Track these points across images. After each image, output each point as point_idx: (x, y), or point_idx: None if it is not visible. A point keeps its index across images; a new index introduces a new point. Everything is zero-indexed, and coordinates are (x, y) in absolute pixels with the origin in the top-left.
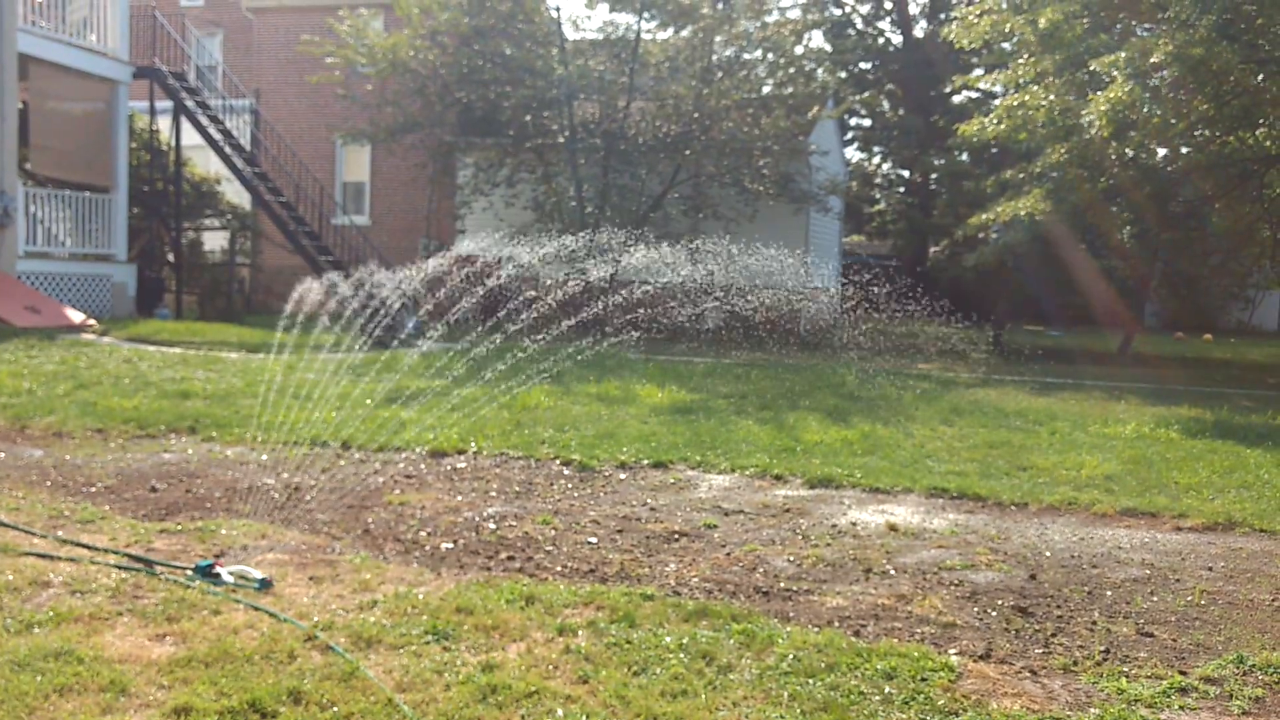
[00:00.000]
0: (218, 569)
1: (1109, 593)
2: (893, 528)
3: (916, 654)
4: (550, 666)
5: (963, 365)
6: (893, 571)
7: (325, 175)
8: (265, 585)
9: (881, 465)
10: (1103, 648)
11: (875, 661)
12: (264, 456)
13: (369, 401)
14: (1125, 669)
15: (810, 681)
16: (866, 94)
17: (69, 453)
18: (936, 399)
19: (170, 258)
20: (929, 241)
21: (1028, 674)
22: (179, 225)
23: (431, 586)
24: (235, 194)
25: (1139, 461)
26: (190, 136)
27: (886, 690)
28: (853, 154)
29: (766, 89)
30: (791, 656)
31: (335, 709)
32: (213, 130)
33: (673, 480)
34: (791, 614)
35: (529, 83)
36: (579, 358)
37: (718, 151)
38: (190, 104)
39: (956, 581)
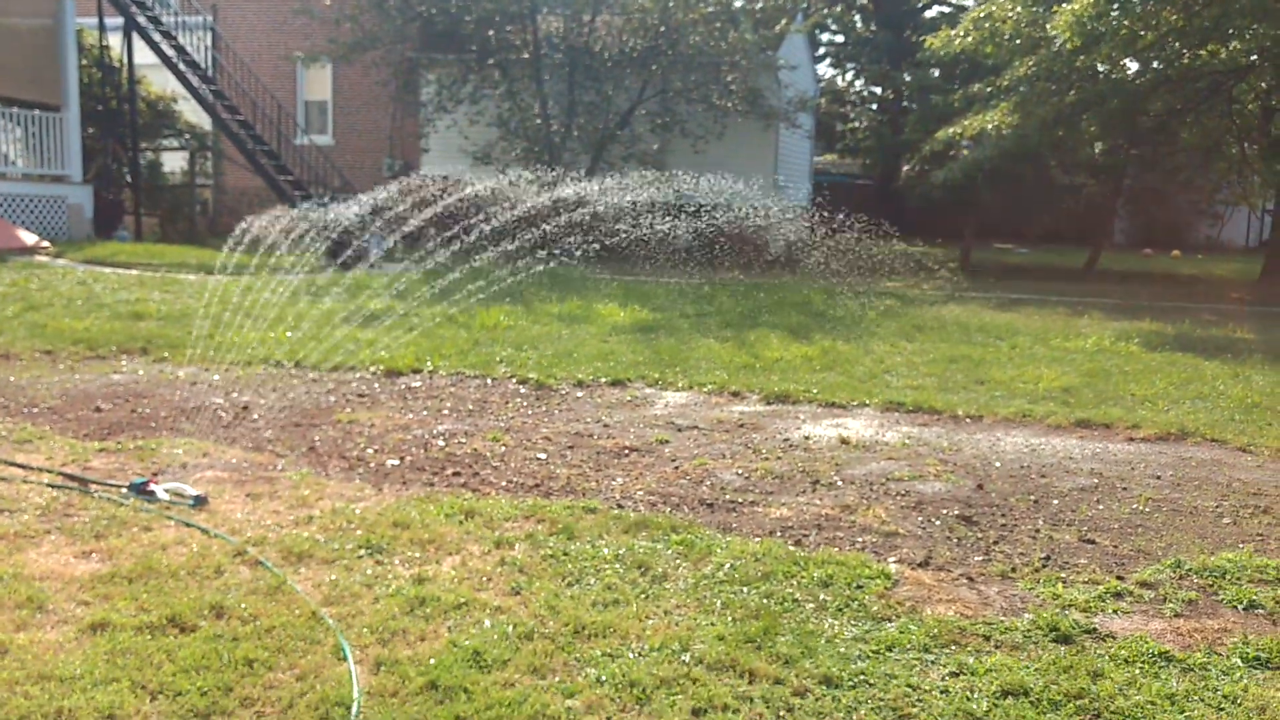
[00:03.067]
0: (152, 486)
1: (1055, 502)
2: (844, 441)
3: (854, 562)
4: (484, 579)
5: (930, 283)
6: (840, 483)
7: (286, 94)
8: (200, 502)
9: (839, 381)
10: (1043, 555)
11: (812, 570)
12: (216, 377)
13: (327, 323)
14: (1063, 575)
15: (745, 590)
16: (838, 8)
17: (14, 374)
18: (899, 316)
19: (129, 179)
20: (901, 160)
21: (965, 581)
22: (135, 145)
23: (371, 502)
24: (194, 114)
25: (1097, 374)
26: (145, 55)
27: (821, 597)
28: (825, 71)
29: (738, 3)
30: (728, 566)
31: (258, 622)
32: (166, 46)
33: (629, 398)
34: (734, 525)
35: None
36: (544, 278)
37: (684, 66)
38: (141, 19)
39: (903, 492)
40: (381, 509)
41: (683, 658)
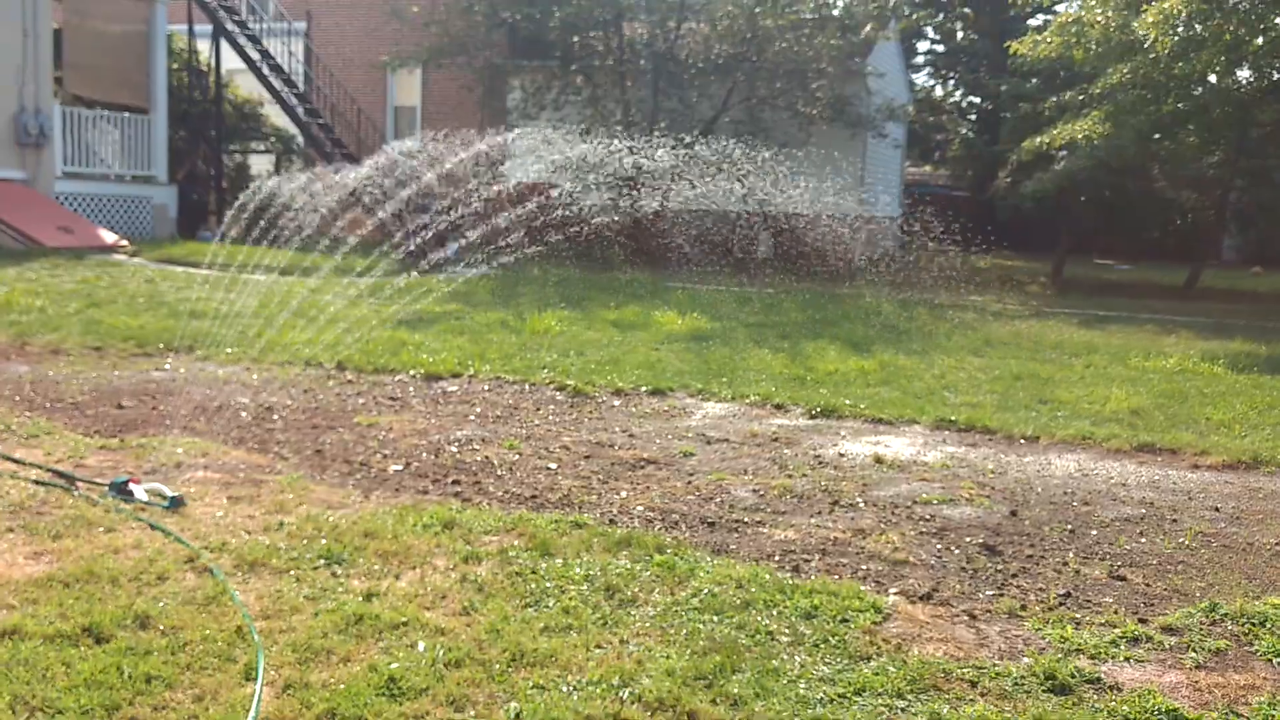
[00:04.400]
0: (131, 486)
1: (1093, 532)
2: (879, 460)
3: (847, 593)
4: (437, 596)
5: (1016, 298)
6: (862, 504)
7: (377, 100)
8: (176, 504)
9: (892, 396)
10: (1063, 591)
11: (798, 599)
12: (254, 377)
13: (381, 325)
14: (1079, 615)
15: (716, 619)
16: (939, 16)
17: (56, 369)
18: (972, 330)
19: (215, 180)
20: (995, 171)
21: (965, 618)
22: (219, 147)
23: (351, 509)
24: (279, 117)
25: (1172, 396)
26: (233, 60)
27: (800, 631)
28: (924, 80)
29: (836, 10)
30: (706, 592)
31: (179, 635)
32: (252, 51)
33: (667, 408)
34: (731, 547)
35: (574, 1)
36: (612, 284)
37: (770, 74)
38: (230, 25)
39: (927, 516)
40: (358, 517)
41: (621, 694)
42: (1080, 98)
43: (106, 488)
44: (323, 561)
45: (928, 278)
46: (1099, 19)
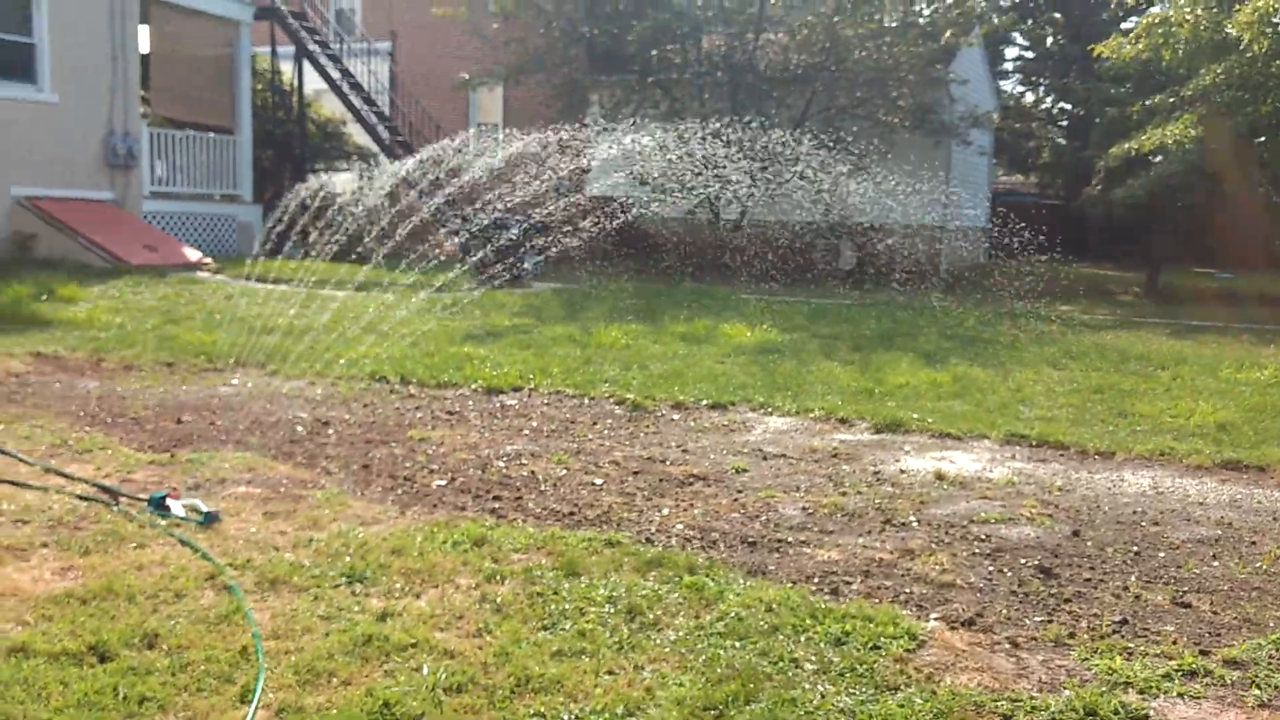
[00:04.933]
0: (169, 501)
1: (1160, 554)
2: (940, 476)
3: (883, 618)
4: (453, 617)
5: (1105, 308)
6: (915, 523)
7: (459, 117)
8: (210, 519)
9: (963, 409)
10: (1119, 618)
11: (829, 625)
12: (317, 391)
13: (449, 340)
14: (1133, 645)
15: (739, 645)
16: (1028, 22)
17: (125, 385)
18: (1055, 341)
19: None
20: (1088, 178)
21: (1007, 646)
22: (303, 167)
23: (384, 525)
24: (361, 135)
25: (1263, 410)
26: (318, 79)
27: (828, 658)
28: (1013, 87)
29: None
30: (733, 615)
31: (184, 654)
32: (333, 71)
33: (727, 422)
34: (770, 567)
35: (652, 15)
36: (686, 297)
37: (849, 83)
38: (312, 46)
39: (983, 536)
40: (389, 534)
41: None
42: (1171, 100)
43: (146, 503)
44: (344, 580)
45: (1014, 288)
46: (1188, 18)
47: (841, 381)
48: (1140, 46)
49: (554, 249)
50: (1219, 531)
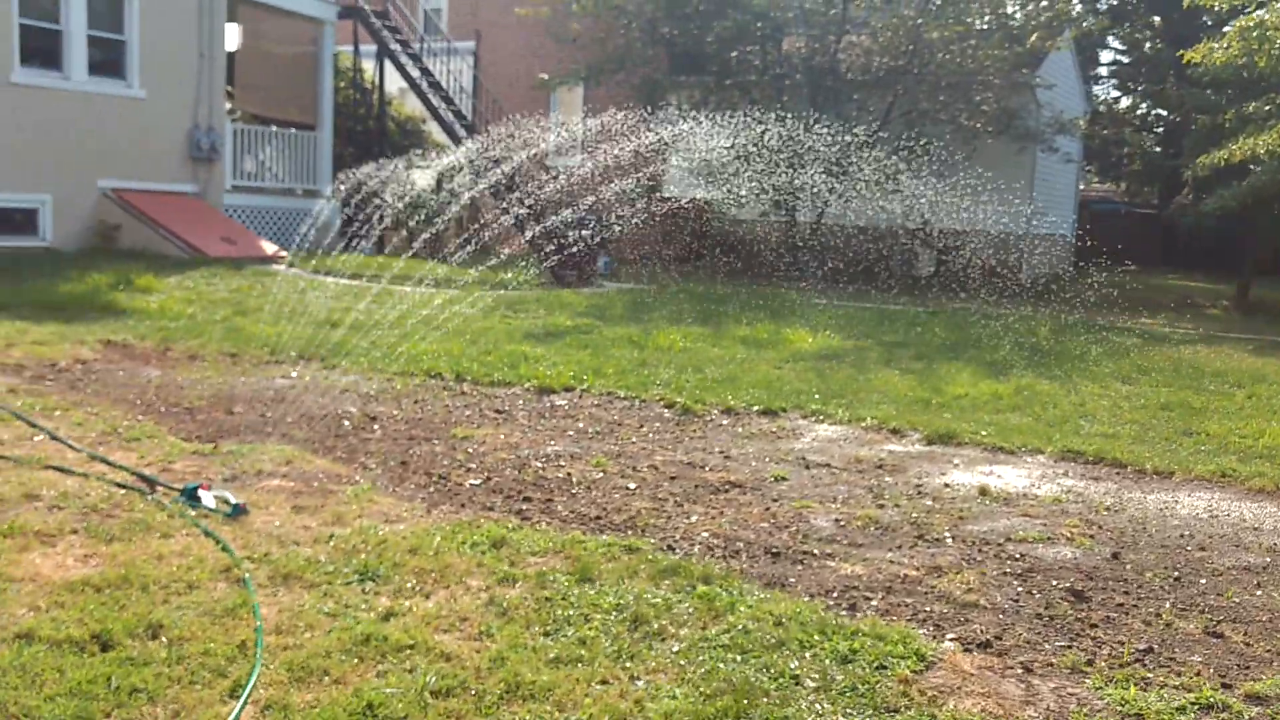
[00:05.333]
0: (200, 492)
1: (1202, 581)
2: (984, 491)
3: (895, 637)
4: (458, 618)
5: (1190, 321)
6: (949, 540)
7: (540, 117)
8: (238, 511)
9: (1022, 423)
10: (1144, 646)
11: (837, 642)
12: (372, 386)
13: (509, 339)
14: (1152, 675)
15: (741, 659)
16: (1125, 25)
17: (186, 374)
18: (1128, 355)
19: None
20: (1181, 187)
21: (1020, 671)
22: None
23: (407, 524)
24: (441, 134)
25: None
26: (400, 78)
27: (831, 676)
28: (1108, 92)
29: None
30: (740, 628)
31: (184, 646)
32: (413, 70)
33: (775, 428)
34: (790, 580)
35: (732, 15)
36: (754, 301)
37: (931, 86)
38: (393, 45)
39: (1017, 555)
40: (409, 532)
41: None
42: (1266, 109)
43: (179, 493)
44: (356, 577)
45: (1097, 299)
46: None
47: (899, 391)
48: (1233, 51)
49: (627, 249)
50: (1268, 559)
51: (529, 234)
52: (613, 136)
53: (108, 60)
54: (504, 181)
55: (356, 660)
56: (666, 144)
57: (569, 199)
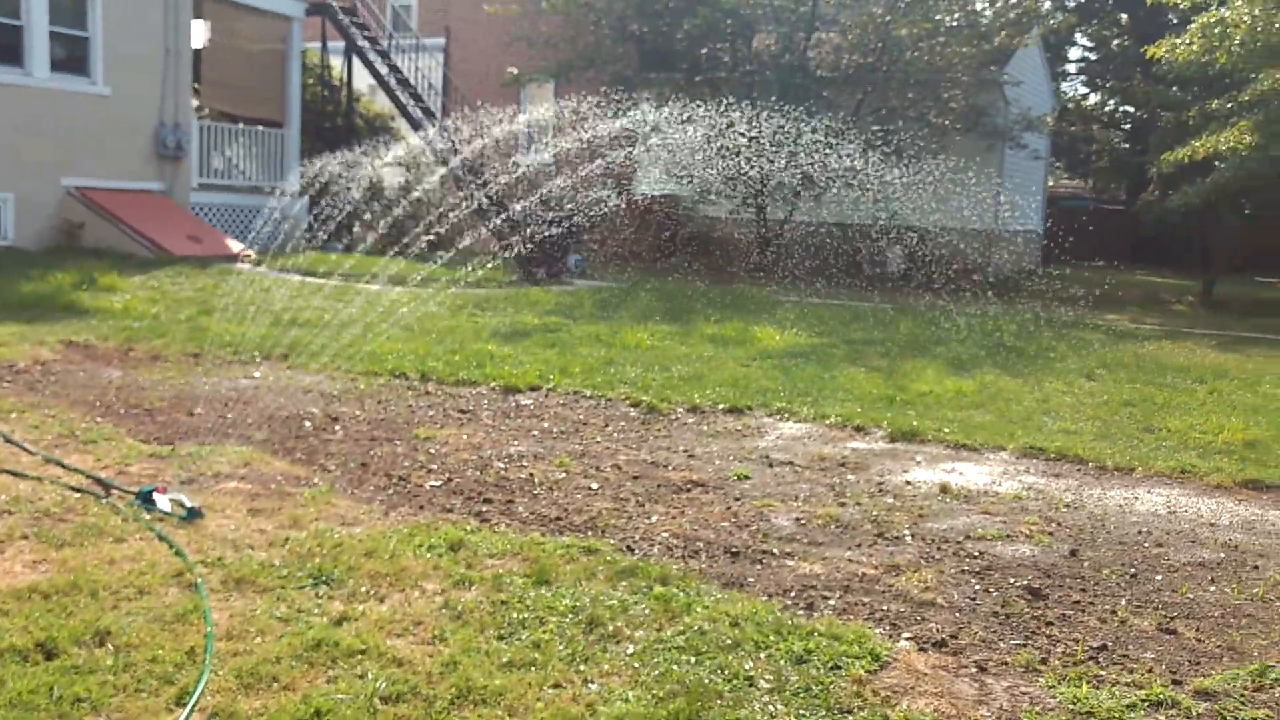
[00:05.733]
0: (156, 495)
1: (1158, 577)
2: (945, 489)
3: (851, 636)
4: (412, 623)
5: (1156, 317)
6: (909, 538)
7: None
8: (193, 515)
9: (985, 420)
10: (1098, 644)
11: (793, 642)
12: (336, 386)
13: (475, 338)
14: (1105, 672)
15: (695, 660)
16: (1094, 23)
17: (148, 375)
18: (1093, 351)
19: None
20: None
21: (974, 670)
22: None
23: (364, 526)
24: (409, 132)
25: None
26: (369, 75)
27: (785, 677)
28: (1077, 89)
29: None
30: (696, 629)
31: (131, 654)
32: (381, 67)
33: (741, 426)
34: (749, 580)
35: (701, 13)
36: (723, 299)
37: (900, 84)
38: (361, 41)
39: (975, 553)
40: (365, 535)
41: None
42: (1229, 105)
43: (134, 496)
44: (311, 581)
45: (1063, 295)
46: (1245, 19)
47: (864, 388)
48: (1195, 48)
49: (598, 246)
50: (1223, 554)
51: (498, 232)
52: (583, 122)
53: (71, 57)
54: (472, 178)
55: (307, 666)
56: (634, 132)
57: (538, 195)
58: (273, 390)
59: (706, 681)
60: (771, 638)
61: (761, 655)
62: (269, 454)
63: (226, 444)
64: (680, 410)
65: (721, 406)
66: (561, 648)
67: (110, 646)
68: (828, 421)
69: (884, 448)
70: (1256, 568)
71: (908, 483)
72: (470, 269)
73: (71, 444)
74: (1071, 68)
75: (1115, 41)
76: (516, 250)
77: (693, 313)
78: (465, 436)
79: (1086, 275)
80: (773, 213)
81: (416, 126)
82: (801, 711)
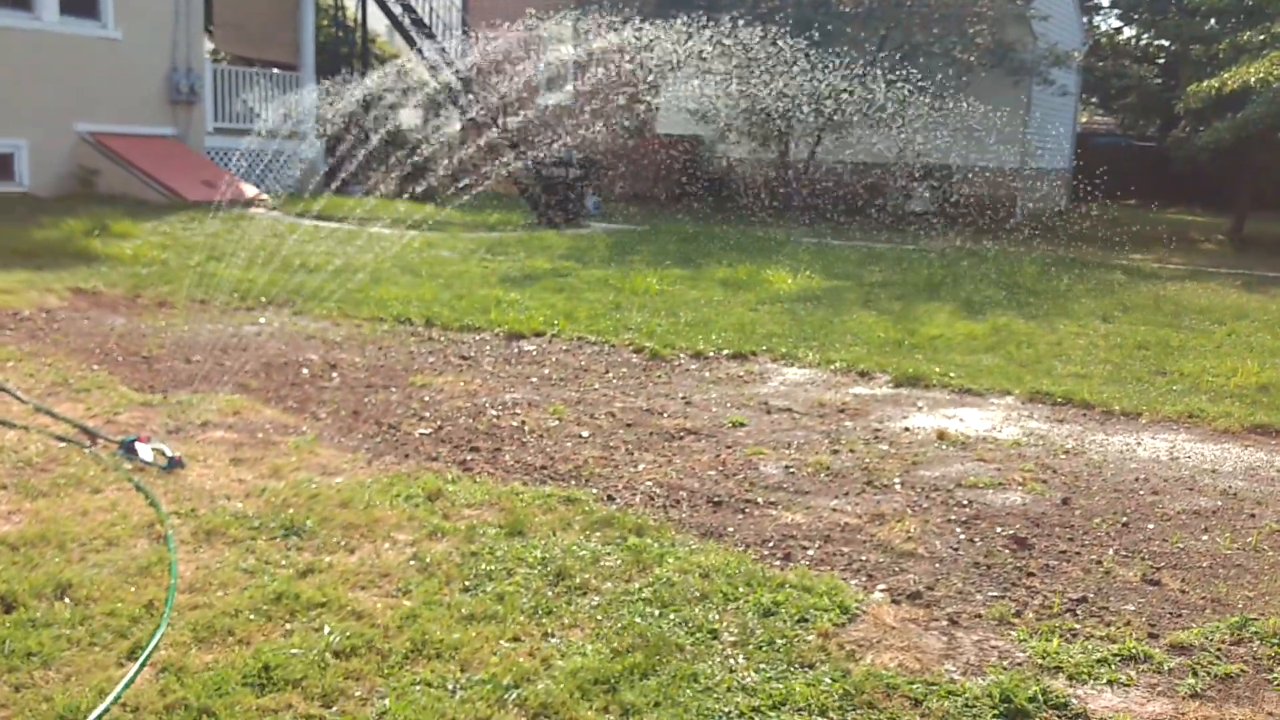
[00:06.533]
0: (138, 445)
1: (1150, 526)
2: (942, 435)
3: (823, 588)
4: (378, 575)
5: (1182, 256)
6: (898, 486)
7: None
8: (174, 464)
9: (993, 364)
10: (1078, 596)
11: (762, 594)
12: (340, 333)
13: (484, 283)
14: (1079, 625)
15: (659, 613)
16: None
17: (152, 322)
18: (1112, 292)
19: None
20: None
21: (944, 623)
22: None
23: (345, 476)
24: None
25: None
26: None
27: (750, 630)
28: (1111, 22)
29: None
30: (665, 580)
31: (90, 607)
32: (395, 6)
33: (744, 373)
34: (728, 530)
35: None
36: (740, 241)
37: (924, 19)
38: None
39: (964, 502)
40: (343, 485)
41: (506, 696)
42: (1260, 38)
43: (118, 445)
44: (282, 532)
45: (1090, 234)
46: None
47: (873, 332)
48: None
49: (618, 185)
50: (1220, 502)
51: (514, 173)
52: (604, 53)
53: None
54: (490, 117)
55: (265, 620)
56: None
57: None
58: (275, 337)
59: (668, 635)
60: (741, 590)
61: (729, 608)
62: (260, 402)
63: (220, 392)
64: (683, 356)
65: (726, 352)
66: (525, 600)
67: (69, 600)
68: (833, 367)
69: (886, 393)
70: (1253, 515)
71: (905, 429)
72: (487, 213)
73: (64, 392)
74: (1104, 1)
75: None
76: (532, 192)
77: (707, 256)
78: (462, 384)
79: (1116, 214)
80: (795, 152)
81: (433, 68)
82: (762, 665)
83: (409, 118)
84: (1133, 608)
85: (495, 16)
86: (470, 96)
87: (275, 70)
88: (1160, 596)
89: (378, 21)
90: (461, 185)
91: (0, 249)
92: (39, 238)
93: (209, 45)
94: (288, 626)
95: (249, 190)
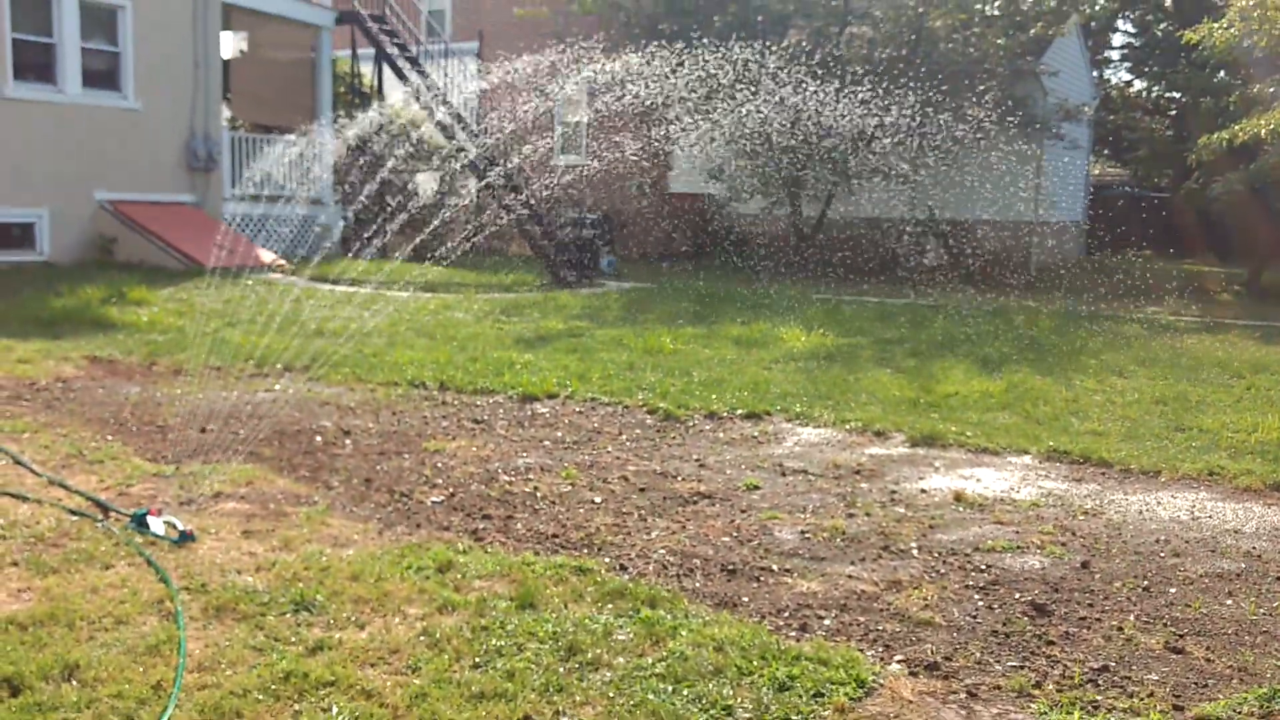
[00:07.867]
0: (149, 518)
1: (1172, 590)
2: (959, 497)
3: (839, 660)
4: (388, 651)
5: (1199, 308)
6: (915, 551)
7: (545, 116)
8: (185, 538)
9: (1010, 422)
10: (1099, 665)
11: (777, 668)
12: (354, 398)
13: (498, 344)
14: (1102, 697)
15: (672, 689)
16: (1136, 10)
17: (167, 390)
18: (1128, 346)
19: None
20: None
21: (963, 696)
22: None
23: (357, 547)
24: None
25: None
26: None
27: (765, 705)
28: (1121, 76)
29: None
30: (679, 655)
31: (97, 689)
32: (411, 74)
33: (758, 433)
34: (743, 599)
35: (732, 10)
36: (753, 299)
37: (934, 76)
38: (390, 48)
39: (982, 567)
40: (354, 557)
41: None
42: (1271, 90)
43: (129, 519)
44: (292, 607)
45: (1104, 287)
46: None
47: (888, 390)
48: (1232, 32)
49: (632, 247)
50: (1243, 564)
51: (529, 236)
52: (621, 84)
53: (102, 72)
54: (505, 181)
55: (273, 700)
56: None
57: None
58: (289, 403)
59: (682, 712)
60: (756, 663)
61: (744, 682)
62: (273, 471)
63: (233, 461)
64: (698, 417)
65: (740, 412)
66: (536, 677)
67: (76, 681)
68: (848, 426)
69: (902, 453)
70: (1279, 578)
71: (922, 491)
72: (501, 274)
73: (78, 464)
74: (1115, 55)
75: (1160, 26)
76: (547, 253)
77: (720, 314)
78: (475, 449)
79: (1129, 265)
80: (807, 209)
81: (444, 130)
82: None
83: (426, 182)
84: (1156, 677)
85: (508, 76)
86: (487, 160)
87: (292, 136)
88: (1184, 665)
89: (394, 88)
90: (477, 248)
91: (19, 318)
92: (57, 306)
93: (226, 113)
94: (296, 707)
95: (266, 255)
